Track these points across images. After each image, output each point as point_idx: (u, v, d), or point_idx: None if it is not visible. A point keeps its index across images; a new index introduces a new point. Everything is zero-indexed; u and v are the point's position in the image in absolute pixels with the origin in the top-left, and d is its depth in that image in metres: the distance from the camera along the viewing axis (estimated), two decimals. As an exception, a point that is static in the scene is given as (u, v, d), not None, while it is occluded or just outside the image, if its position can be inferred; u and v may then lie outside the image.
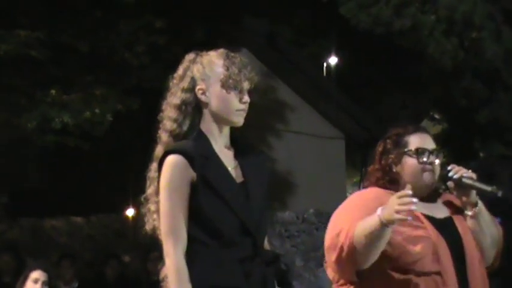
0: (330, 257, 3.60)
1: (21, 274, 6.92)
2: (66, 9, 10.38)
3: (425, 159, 3.68)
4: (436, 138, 12.53)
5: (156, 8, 10.81)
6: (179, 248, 3.29)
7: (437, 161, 3.70)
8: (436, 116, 13.62)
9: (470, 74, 10.88)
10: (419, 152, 3.69)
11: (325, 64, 17.00)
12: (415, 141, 3.73)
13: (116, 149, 12.64)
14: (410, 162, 3.70)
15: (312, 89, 14.41)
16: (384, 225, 3.32)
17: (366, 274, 3.54)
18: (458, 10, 10.17)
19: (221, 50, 3.49)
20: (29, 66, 9.92)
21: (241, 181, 3.40)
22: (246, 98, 3.43)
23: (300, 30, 16.46)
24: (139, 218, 12.96)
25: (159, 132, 3.48)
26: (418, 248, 3.50)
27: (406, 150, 3.71)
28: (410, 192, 3.28)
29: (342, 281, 3.67)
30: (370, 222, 3.37)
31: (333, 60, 16.97)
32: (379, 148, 3.80)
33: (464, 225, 3.69)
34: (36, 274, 6.75)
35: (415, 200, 3.26)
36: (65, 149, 10.68)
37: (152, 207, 3.49)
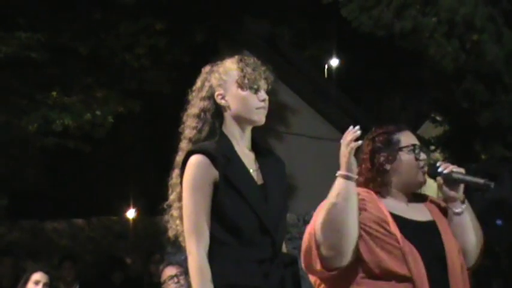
0: (303, 253, 3.61)
1: (21, 278, 6.92)
2: (66, 11, 10.38)
3: (420, 155, 3.69)
4: (437, 140, 12.45)
5: (156, 10, 10.81)
6: (202, 247, 3.31)
7: (426, 158, 3.72)
8: (437, 118, 13.60)
9: (471, 76, 10.86)
10: (415, 149, 3.69)
11: (326, 66, 17.03)
12: (406, 138, 3.73)
13: (116, 151, 12.65)
14: (405, 158, 3.69)
15: (313, 91, 14.42)
16: (346, 177, 3.42)
17: (338, 281, 3.54)
18: (459, 12, 10.16)
19: (235, 56, 3.58)
20: (29, 68, 9.92)
21: (261, 183, 3.46)
22: (264, 95, 3.53)
23: (300, 32, 16.48)
24: (139, 219, 12.91)
25: (180, 143, 3.54)
26: (385, 256, 3.49)
27: (400, 147, 3.70)
28: (357, 127, 3.41)
29: (323, 286, 3.66)
30: (334, 188, 3.47)
31: (334, 62, 17.01)
32: (368, 148, 3.77)
33: (447, 230, 3.66)
34: (37, 276, 6.75)
35: (357, 128, 3.40)
36: (65, 151, 10.68)
37: (175, 213, 3.51)
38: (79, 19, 10.44)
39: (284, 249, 3.54)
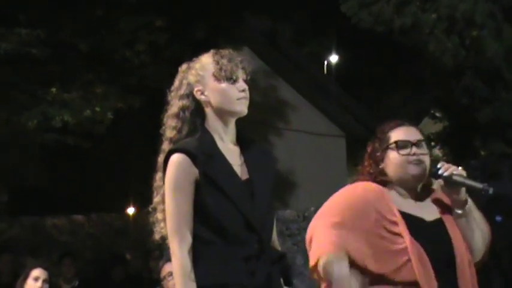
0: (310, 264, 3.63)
1: (21, 274, 6.92)
2: (67, 8, 10.38)
3: (406, 151, 3.64)
4: (437, 136, 12.46)
5: (156, 7, 10.81)
6: (184, 247, 3.28)
7: (423, 152, 3.66)
8: (437, 114, 13.61)
9: (471, 72, 10.88)
10: (399, 145, 3.65)
11: (325, 62, 17.02)
12: (396, 135, 3.69)
13: (116, 147, 12.65)
14: (391, 156, 3.66)
15: (313, 87, 14.43)
16: None
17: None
18: (459, 8, 10.18)
19: (210, 51, 3.53)
20: (29, 65, 9.92)
21: (246, 178, 3.41)
22: (243, 85, 3.44)
23: (300, 28, 16.48)
24: (139, 216, 12.89)
25: (162, 144, 3.50)
26: (394, 262, 3.48)
27: (387, 144, 3.68)
28: None
29: (324, 285, 3.67)
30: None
31: (334, 58, 16.99)
32: (368, 149, 3.78)
33: (454, 227, 3.64)
34: (37, 272, 6.75)
35: None
36: (65, 147, 10.68)
37: (160, 216, 3.47)
38: (79, 15, 10.44)
39: (277, 245, 3.51)
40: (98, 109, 10.13)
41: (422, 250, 3.49)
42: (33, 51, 9.59)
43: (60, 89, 10.08)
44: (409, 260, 3.47)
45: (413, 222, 3.56)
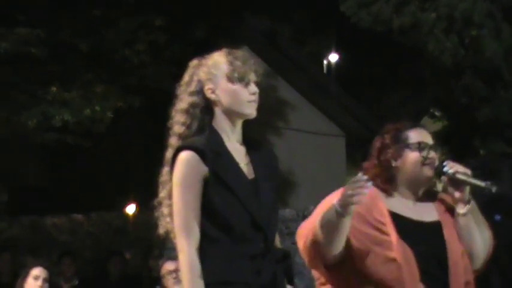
0: (299, 246, 3.67)
1: (21, 273, 6.94)
2: (66, 7, 10.39)
3: (425, 153, 3.66)
4: (436, 135, 12.49)
5: (156, 6, 10.82)
6: (192, 244, 3.30)
7: (436, 156, 3.68)
8: (436, 114, 13.64)
9: (470, 71, 10.90)
10: (421, 146, 3.66)
11: (325, 62, 17.04)
12: (415, 135, 3.70)
13: (116, 146, 12.66)
14: (411, 155, 3.66)
15: (312, 86, 14.44)
16: (340, 214, 3.34)
17: (339, 282, 3.58)
18: (458, 8, 10.20)
19: (223, 50, 3.52)
20: (29, 64, 9.93)
21: (252, 178, 3.42)
22: (254, 89, 3.46)
23: (300, 28, 16.49)
24: (139, 214, 12.87)
25: (169, 139, 3.50)
26: (379, 265, 3.49)
27: (407, 143, 3.68)
28: (365, 176, 3.29)
29: (322, 279, 3.67)
30: (328, 212, 3.40)
31: (333, 57, 17.02)
32: (377, 144, 3.75)
33: (452, 231, 3.64)
34: (37, 271, 6.77)
35: (369, 183, 3.28)
36: (65, 147, 10.69)
37: (165, 210, 3.47)
38: (79, 15, 10.45)
39: (278, 243, 3.53)
40: (97, 108, 10.13)
41: (409, 250, 3.49)
42: (33, 51, 9.60)
43: (60, 88, 10.09)
44: (394, 260, 3.48)
45: (404, 224, 3.57)
